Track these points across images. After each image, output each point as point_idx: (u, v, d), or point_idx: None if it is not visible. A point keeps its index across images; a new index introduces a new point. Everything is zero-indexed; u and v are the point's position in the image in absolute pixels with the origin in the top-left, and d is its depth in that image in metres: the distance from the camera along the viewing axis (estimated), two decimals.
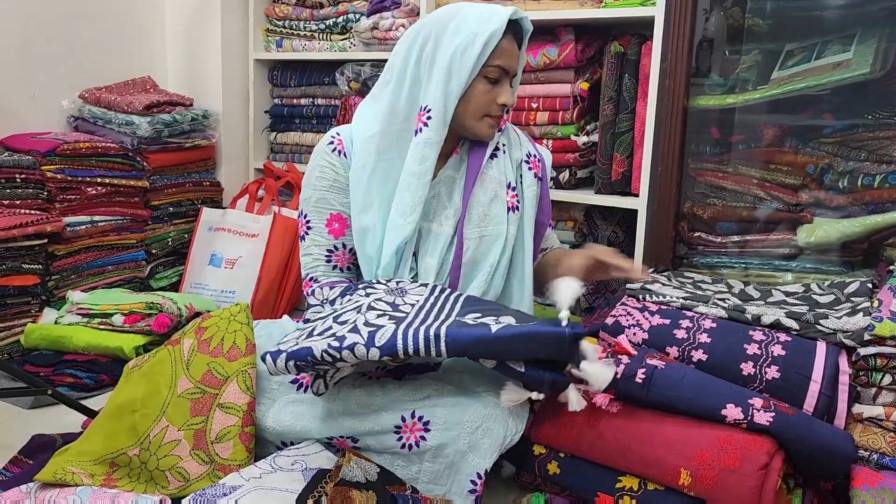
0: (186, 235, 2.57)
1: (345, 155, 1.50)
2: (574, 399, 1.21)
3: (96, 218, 2.26)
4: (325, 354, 1.17)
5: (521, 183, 1.56)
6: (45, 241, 2.10)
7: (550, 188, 1.67)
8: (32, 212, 2.07)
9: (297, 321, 1.58)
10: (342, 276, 1.50)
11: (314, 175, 1.51)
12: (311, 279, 1.49)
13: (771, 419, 1.18)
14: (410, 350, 1.16)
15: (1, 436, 1.57)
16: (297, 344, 1.20)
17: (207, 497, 1.13)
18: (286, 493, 1.16)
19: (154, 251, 2.48)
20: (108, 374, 1.85)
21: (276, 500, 1.13)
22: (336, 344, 1.17)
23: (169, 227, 2.55)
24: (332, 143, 1.52)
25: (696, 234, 1.97)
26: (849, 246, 1.80)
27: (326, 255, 1.49)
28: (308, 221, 1.50)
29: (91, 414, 1.55)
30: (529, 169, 1.57)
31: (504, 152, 1.56)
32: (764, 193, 1.91)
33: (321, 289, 1.47)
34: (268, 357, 1.21)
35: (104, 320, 2.00)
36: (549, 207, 1.62)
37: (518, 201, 1.54)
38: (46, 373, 1.89)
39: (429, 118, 1.43)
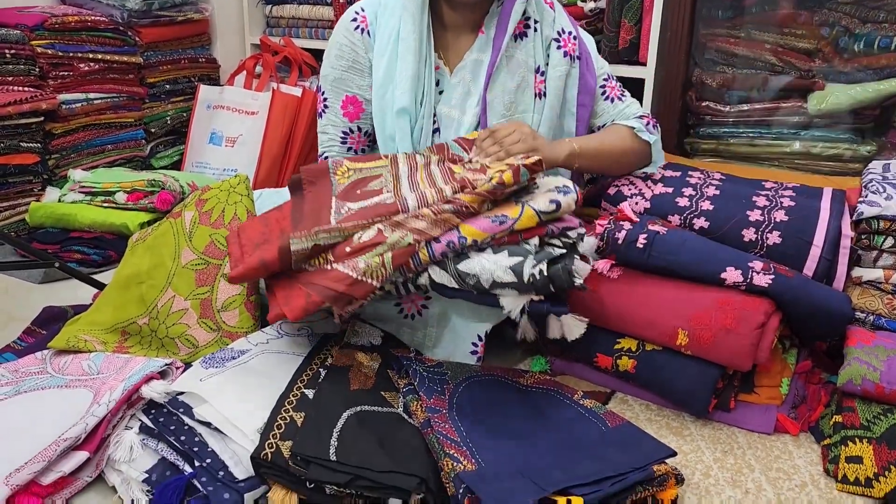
0: (185, 114, 2.53)
1: (368, 33, 1.44)
2: (572, 326, 1.20)
3: (91, 95, 2.22)
4: None
5: (548, 65, 1.46)
6: (42, 119, 2.07)
7: None
8: (26, 89, 2.03)
9: None
10: None
11: (333, 52, 1.46)
12: (326, 158, 1.47)
13: (770, 281, 1.19)
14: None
15: (14, 309, 1.60)
16: None
17: (216, 360, 1.17)
18: (293, 356, 1.19)
19: (153, 130, 2.45)
20: (114, 250, 1.87)
21: (283, 363, 1.17)
22: None
23: (167, 106, 2.50)
24: (354, 19, 1.45)
25: (705, 104, 1.93)
26: (860, 113, 1.76)
27: (342, 137, 1.47)
28: (325, 99, 1.47)
29: (100, 286, 1.57)
30: (559, 48, 1.46)
31: (535, 30, 1.45)
32: (776, 60, 1.84)
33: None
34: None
35: (107, 198, 2.00)
36: (592, 87, 1.52)
37: (545, 87, 1.46)
38: (54, 250, 1.91)
39: None
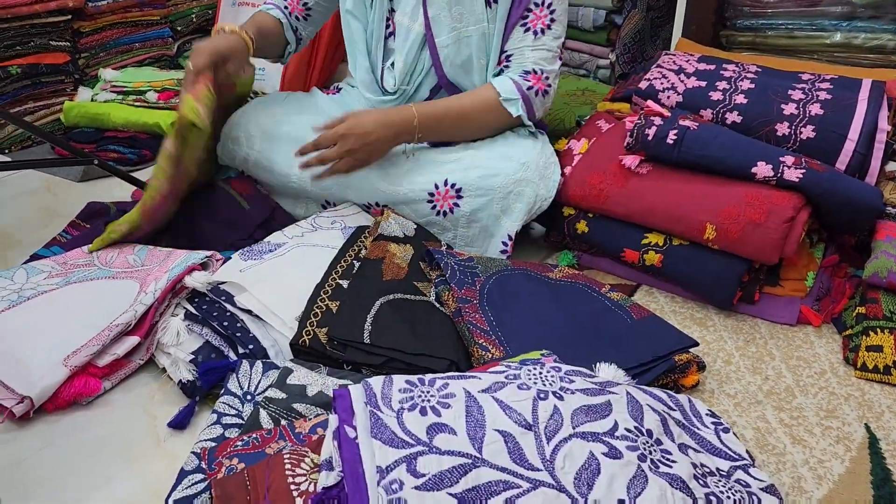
0: (210, 11, 2.50)
1: None
2: None
3: None
4: None
5: None
6: (70, 17, 2.07)
7: None
8: None
9: (328, 93, 1.58)
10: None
11: None
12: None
13: (801, 175, 1.18)
14: None
15: (56, 206, 1.66)
16: None
17: (255, 252, 1.21)
18: (327, 248, 1.23)
19: (179, 28, 2.43)
20: (149, 149, 1.90)
21: (318, 255, 1.21)
22: None
23: (192, 3, 2.47)
24: None
25: None
26: None
27: None
28: None
29: (138, 184, 1.61)
30: None
31: None
32: None
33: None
34: None
35: (139, 97, 2.01)
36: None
37: None
38: (90, 149, 1.94)
39: None
